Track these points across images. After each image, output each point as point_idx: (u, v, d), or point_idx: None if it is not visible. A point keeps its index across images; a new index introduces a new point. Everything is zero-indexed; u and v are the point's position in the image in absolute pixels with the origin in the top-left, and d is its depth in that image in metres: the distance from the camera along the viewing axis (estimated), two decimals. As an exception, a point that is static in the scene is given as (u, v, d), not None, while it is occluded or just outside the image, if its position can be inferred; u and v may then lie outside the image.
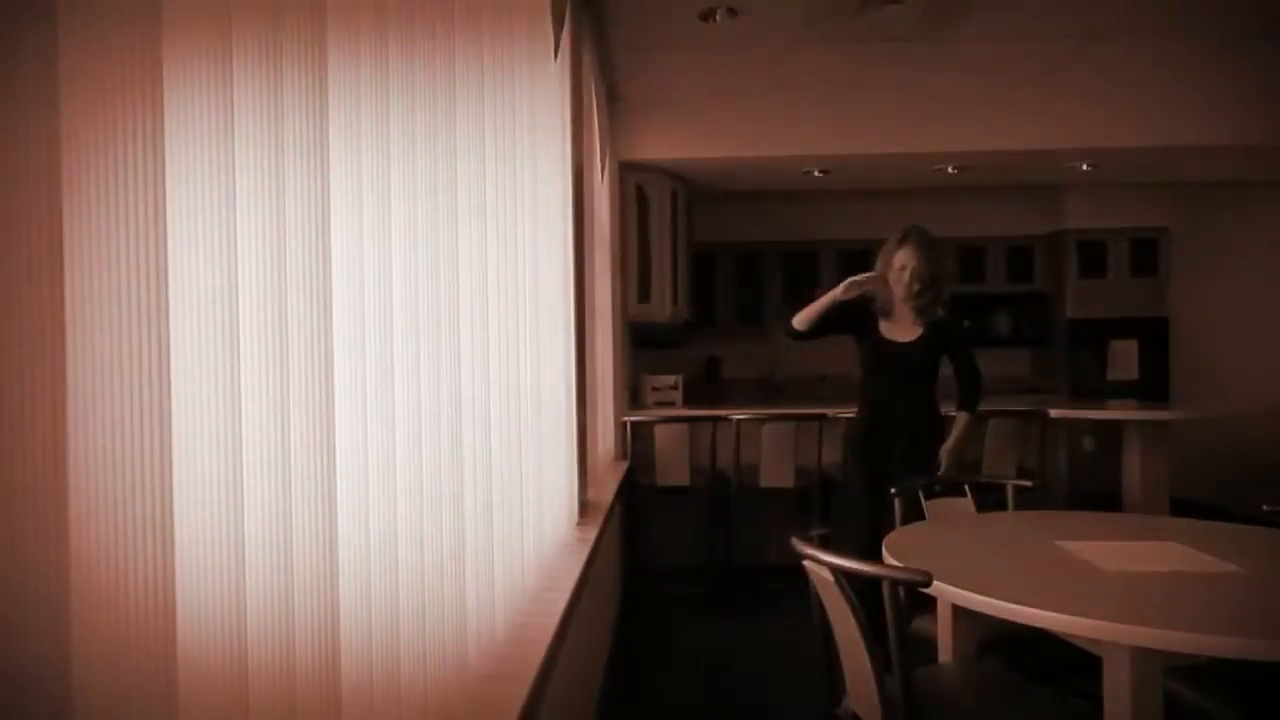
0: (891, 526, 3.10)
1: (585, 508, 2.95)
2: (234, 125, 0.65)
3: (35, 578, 0.44)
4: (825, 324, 3.36)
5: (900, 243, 3.28)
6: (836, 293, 3.26)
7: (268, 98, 0.70)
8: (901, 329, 3.33)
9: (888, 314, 3.35)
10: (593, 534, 2.58)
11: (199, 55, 0.60)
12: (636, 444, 4.90)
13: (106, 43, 0.50)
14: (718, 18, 3.83)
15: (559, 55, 2.53)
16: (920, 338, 3.30)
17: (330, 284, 0.81)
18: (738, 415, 4.68)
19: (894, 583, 1.73)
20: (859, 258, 7.18)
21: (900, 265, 3.25)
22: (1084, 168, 5.61)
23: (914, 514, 2.68)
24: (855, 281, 3.26)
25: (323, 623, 0.77)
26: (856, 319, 3.41)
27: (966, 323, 7.15)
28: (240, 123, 0.66)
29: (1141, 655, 1.59)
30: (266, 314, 0.69)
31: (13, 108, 0.44)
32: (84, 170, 0.48)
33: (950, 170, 5.68)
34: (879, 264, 3.34)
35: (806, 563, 1.86)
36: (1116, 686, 1.63)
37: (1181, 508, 5.20)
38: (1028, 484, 2.87)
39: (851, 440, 3.54)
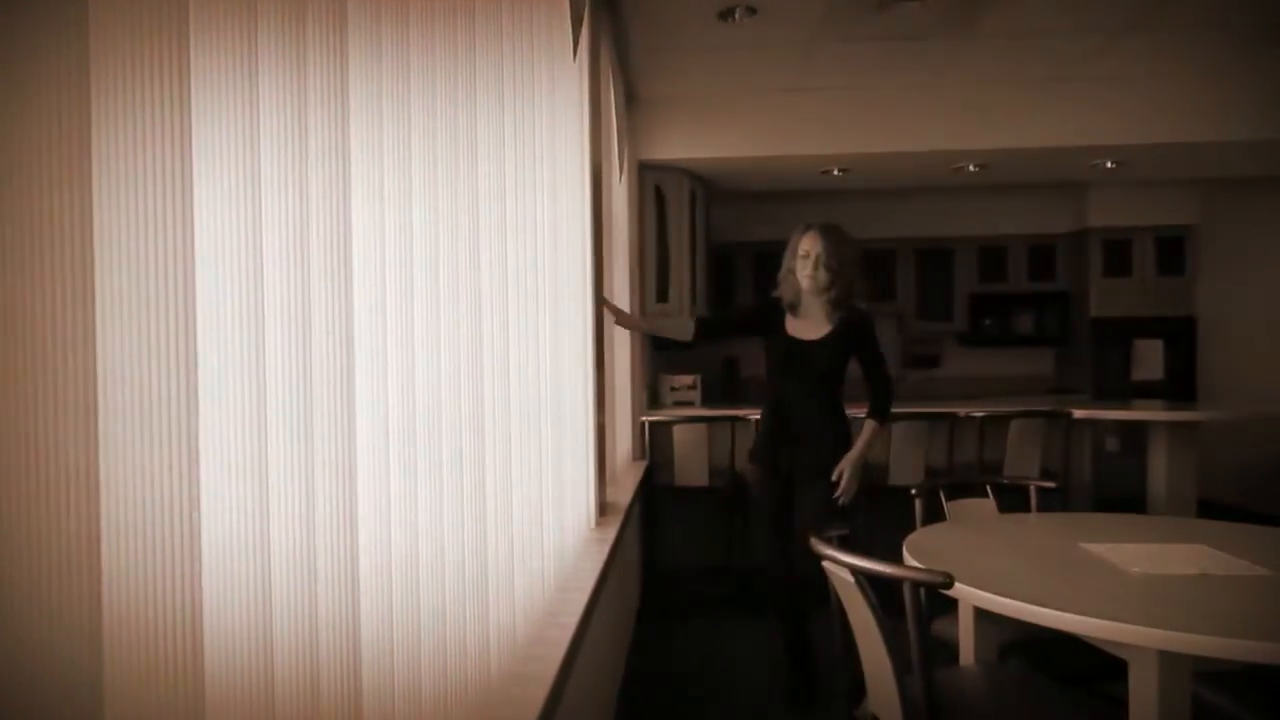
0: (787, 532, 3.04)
1: (604, 508, 2.95)
2: (259, 128, 0.65)
3: (67, 593, 0.45)
4: (724, 327, 3.26)
5: (804, 231, 3.08)
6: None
7: (290, 99, 0.70)
8: (809, 326, 3.08)
9: (795, 310, 3.11)
10: (611, 534, 2.58)
11: (224, 65, 0.61)
12: (655, 444, 4.90)
13: (136, 38, 0.51)
14: (737, 17, 3.82)
15: (578, 55, 2.53)
16: (828, 334, 3.03)
17: (351, 289, 0.81)
18: (756, 415, 4.65)
19: (915, 584, 1.71)
20: (879, 257, 7.18)
21: (804, 252, 3.02)
22: (1108, 165, 5.54)
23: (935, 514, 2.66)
24: (602, 302, 3.05)
25: (344, 624, 0.78)
26: (763, 318, 3.19)
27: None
28: (264, 124, 0.66)
29: (1168, 659, 1.57)
30: (290, 321, 0.70)
31: (46, 106, 0.44)
32: (114, 170, 0.49)
33: (971, 168, 5.63)
34: (785, 257, 3.12)
35: (826, 564, 1.85)
36: (1142, 691, 1.61)
37: (1209, 510, 5.13)
38: (1051, 485, 2.83)
39: (753, 444, 3.29)
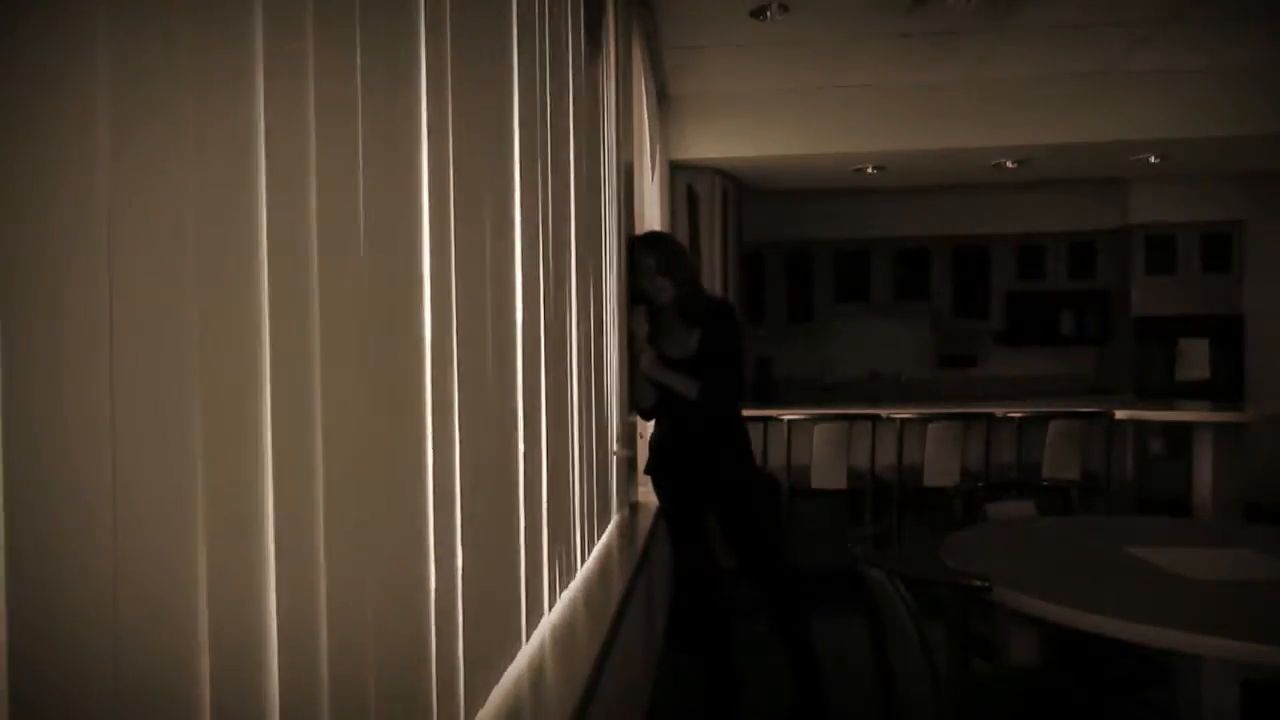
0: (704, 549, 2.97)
1: (635, 509, 2.95)
2: (306, 122, 0.66)
3: (81, 585, 0.46)
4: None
5: (629, 250, 2.86)
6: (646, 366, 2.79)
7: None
8: (679, 342, 2.80)
9: (665, 330, 2.83)
10: (643, 535, 2.58)
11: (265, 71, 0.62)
12: (687, 444, 4.88)
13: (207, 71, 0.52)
14: (769, 14, 3.80)
15: (610, 55, 2.53)
16: (698, 344, 2.76)
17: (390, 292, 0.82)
18: (789, 415, 4.63)
19: (952, 588, 1.69)
20: (913, 255, 7.09)
21: (643, 270, 2.78)
22: (1151, 160, 5.41)
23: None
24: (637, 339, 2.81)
25: (374, 622, 0.78)
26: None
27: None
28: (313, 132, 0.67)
29: (1216, 666, 1.52)
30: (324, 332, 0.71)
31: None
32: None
33: (1009, 165, 5.54)
34: (637, 284, 2.88)
35: (861, 565, 1.83)
36: (1189, 699, 1.57)
37: (1257, 513, 4.98)
38: (1092, 487, 2.77)
39: (649, 469, 2.99)
